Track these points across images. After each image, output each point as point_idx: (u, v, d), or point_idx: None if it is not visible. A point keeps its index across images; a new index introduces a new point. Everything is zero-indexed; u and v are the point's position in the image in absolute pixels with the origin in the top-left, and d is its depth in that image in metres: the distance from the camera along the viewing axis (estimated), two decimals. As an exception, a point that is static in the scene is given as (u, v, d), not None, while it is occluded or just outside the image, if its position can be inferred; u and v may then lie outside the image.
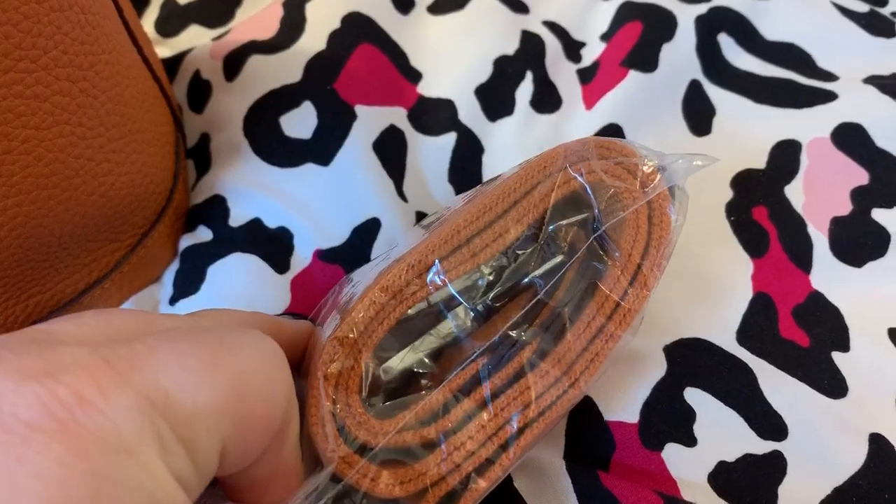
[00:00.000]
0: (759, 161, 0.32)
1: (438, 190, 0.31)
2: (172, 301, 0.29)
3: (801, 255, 0.29)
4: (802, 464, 0.24)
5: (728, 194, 0.31)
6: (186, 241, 0.30)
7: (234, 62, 0.33)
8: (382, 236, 0.29)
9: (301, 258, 0.29)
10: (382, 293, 0.20)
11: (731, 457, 0.25)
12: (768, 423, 0.25)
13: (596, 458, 0.25)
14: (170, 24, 0.38)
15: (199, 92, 0.33)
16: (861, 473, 0.24)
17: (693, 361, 0.26)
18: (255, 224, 0.30)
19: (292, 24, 0.34)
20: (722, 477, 0.24)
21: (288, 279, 0.28)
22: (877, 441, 0.25)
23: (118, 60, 0.25)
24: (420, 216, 0.30)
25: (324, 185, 0.30)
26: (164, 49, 0.36)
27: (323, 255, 0.29)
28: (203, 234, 0.30)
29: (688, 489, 0.24)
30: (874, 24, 0.36)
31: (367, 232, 0.29)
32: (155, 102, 0.29)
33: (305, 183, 0.30)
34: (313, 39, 0.33)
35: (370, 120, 0.31)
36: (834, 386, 0.26)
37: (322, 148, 0.31)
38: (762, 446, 0.25)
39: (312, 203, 0.30)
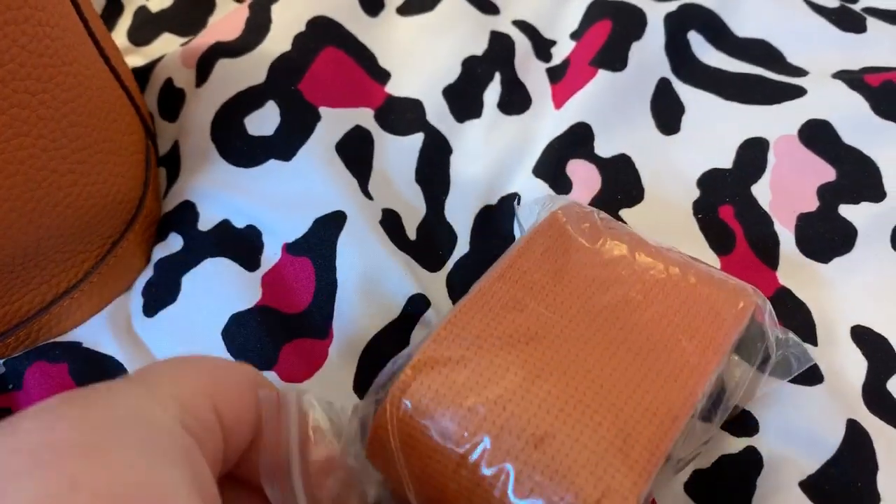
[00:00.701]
0: (726, 160, 0.32)
1: (405, 189, 0.31)
2: (151, 313, 0.29)
3: (768, 251, 0.29)
4: (777, 453, 0.24)
5: (695, 193, 0.31)
6: (159, 252, 0.30)
7: (203, 67, 0.33)
8: (348, 229, 0.29)
9: (270, 254, 0.29)
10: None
11: (706, 463, 0.24)
12: (739, 420, 0.25)
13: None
14: (142, 33, 0.38)
15: (172, 100, 0.33)
16: (834, 459, 0.24)
17: None
18: (224, 226, 0.30)
19: (258, 25, 0.34)
20: (701, 485, 0.24)
21: (259, 276, 0.28)
22: (850, 427, 0.25)
23: (81, 72, 0.25)
24: (386, 213, 0.30)
25: (286, 179, 0.30)
26: (137, 58, 0.36)
27: (290, 248, 0.29)
28: (174, 242, 0.30)
29: None
30: (845, 19, 0.35)
31: (331, 222, 0.29)
32: (123, 112, 0.29)
33: (269, 179, 0.30)
34: (278, 41, 0.33)
35: (334, 122, 0.31)
36: (807, 375, 0.26)
37: (284, 144, 0.31)
38: (736, 444, 0.25)
39: (276, 198, 0.30)
